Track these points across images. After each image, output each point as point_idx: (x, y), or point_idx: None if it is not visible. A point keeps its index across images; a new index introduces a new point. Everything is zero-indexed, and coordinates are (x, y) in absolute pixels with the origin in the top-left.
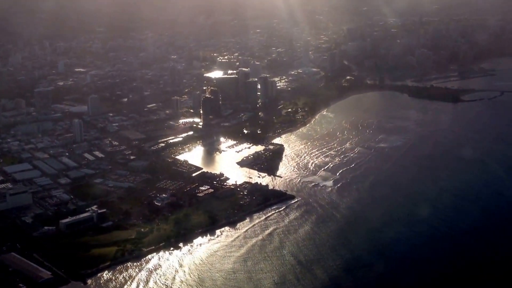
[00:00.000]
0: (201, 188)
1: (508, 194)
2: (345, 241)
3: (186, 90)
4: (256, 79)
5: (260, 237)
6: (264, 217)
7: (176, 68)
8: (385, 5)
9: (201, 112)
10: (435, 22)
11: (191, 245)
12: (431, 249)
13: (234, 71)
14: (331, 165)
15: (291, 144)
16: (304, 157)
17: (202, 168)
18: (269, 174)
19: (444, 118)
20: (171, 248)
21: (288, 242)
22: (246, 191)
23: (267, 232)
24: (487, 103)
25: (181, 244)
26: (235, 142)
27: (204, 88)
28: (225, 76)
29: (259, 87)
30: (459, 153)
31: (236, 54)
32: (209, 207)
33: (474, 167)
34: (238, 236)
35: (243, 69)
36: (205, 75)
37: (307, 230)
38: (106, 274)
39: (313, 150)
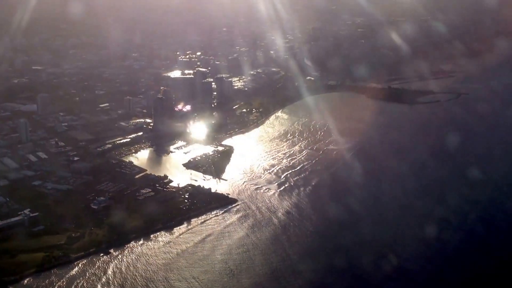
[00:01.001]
0: (142, 191)
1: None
2: (277, 247)
3: (143, 90)
4: (212, 79)
5: (192, 243)
6: (202, 221)
7: (133, 67)
8: (356, 5)
9: (152, 112)
10: (401, 22)
11: (122, 251)
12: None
13: (191, 71)
14: (277, 168)
15: (241, 146)
16: (252, 159)
17: (146, 170)
18: (214, 177)
19: (396, 120)
20: (101, 254)
21: (220, 249)
22: (187, 194)
23: (201, 238)
24: (442, 106)
25: (112, 250)
26: (184, 143)
27: (161, 88)
28: (181, 75)
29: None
30: (405, 156)
31: (199, 53)
32: (147, 210)
33: (417, 169)
34: (171, 242)
35: (200, 69)
36: (164, 74)
37: (241, 236)
38: (28, 281)
39: (262, 152)
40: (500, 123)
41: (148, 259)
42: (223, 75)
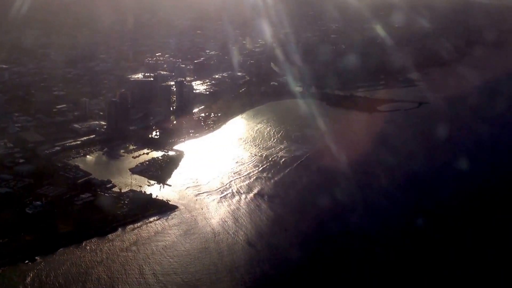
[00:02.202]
0: (81, 195)
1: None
2: (204, 257)
3: (103, 92)
4: (173, 83)
5: (118, 251)
6: (137, 228)
7: (94, 68)
8: (334, 10)
9: (106, 115)
10: (375, 29)
11: (48, 258)
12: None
13: (152, 74)
14: (223, 174)
15: (193, 151)
16: (200, 164)
17: (91, 174)
18: (159, 182)
19: (352, 128)
20: (26, 261)
21: (151, 258)
22: (127, 200)
23: (132, 245)
24: (401, 114)
25: (38, 257)
26: (135, 147)
27: (119, 90)
28: (141, 78)
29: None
30: (351, 165)
31: (167, 55)
32: (83, 216)
33: (358, 179)
34: (98, 249)
35: (162, 72)
36: (128, 76)
37: (168, 244)
38: None
39: (212, 158)
40: (449, 134)
41: (70, 268)
42: (188, 78)
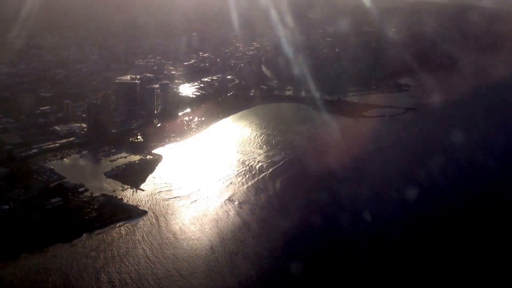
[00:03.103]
0: (52, 199)
1: None
2: (166, 262)
3: (90, 94)
4: (157, 86)
5: (84, 258)
6: (103, 234)
7: (88, 69)
8: (332, 14)
9: (87, 117)
10: (372, 33)
11: (9, 264)
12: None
13: (137, 76)
14: (198, 179)
15: (171, 155)
16: (178, 169)
17: (65, 178)
18: (132, 187)
19: (333, 134)
20: None
21: (110, 265)
22: (97, 204)
23: (93, 251)
24: (385, 121)
25: None
26: (114, 150)
27: (104, 92)
28: (127, 80)
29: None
30: (328, 171)
31: (159, 57)
32: (50, 221)
33: (335, 186)
34: (61, 256)
35: (148, 74)
36: (115, 78)
37: (134, 251)
38: None
39: (190, 162)
40: (431, 141)
41: (27, 274)
42: (176, 81)
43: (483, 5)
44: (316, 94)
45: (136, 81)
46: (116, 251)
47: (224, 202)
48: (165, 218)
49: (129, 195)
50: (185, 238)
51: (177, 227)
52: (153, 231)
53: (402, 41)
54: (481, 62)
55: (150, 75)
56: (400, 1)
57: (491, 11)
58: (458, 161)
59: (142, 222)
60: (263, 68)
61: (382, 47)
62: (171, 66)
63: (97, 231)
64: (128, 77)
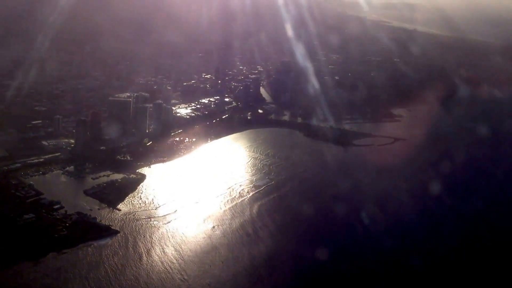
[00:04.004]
0: (24, 215)
1: None
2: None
3: (84, 110)
4: (151, 105)
5: (44, 278)
6: (69, 253)
7: (77, 86)
8: (338, 41)
9: (75, 133)
10: (374, 61)
11: None
12: None
13: (133, 94)
14: (177, 200)
15: (155, 175)
16: (159, 189)
17: (43, 194)
18: (109, 206)
19: (319, 161)
20: None
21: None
22: (69, 222)
23: (54, 272)
24: (373, 150)
25: None
26: (98, 168)
27: (94, 109)
28: (119, 98)
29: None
30: (309, 199)
31: (160, 76)
32: (20, 237)
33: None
34: (21, 275)
35: (143, 93)
36: (111, 96)
37: (97, 272)
38: None
39: (172, 183)
40: (409, 175)
41: None
42: (173, 101)
43: (484, 40)
44: (311, 121)
45: (130, 99)
46: (78, 272)
47: (198, 224)
48: (135, 239)
49: (104, 214)
50: (151, 260)
51: (145, 249)
52: (120, 252)
53: (402, 71)
54: (478, 95)
55: (145, 94)
56: (405, 32)
57: (491, 45)
58: (431, 197)
59: (111, 242)
60: (263, 91)
61: (381, 76)
62: (169, 86)
63: (64, 250)
64: (126, 95)
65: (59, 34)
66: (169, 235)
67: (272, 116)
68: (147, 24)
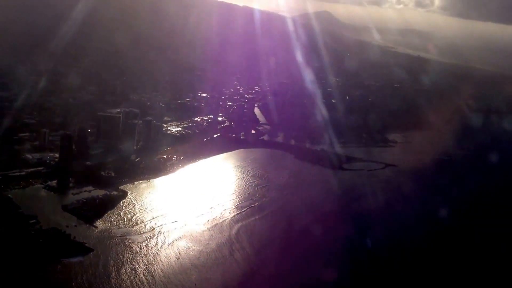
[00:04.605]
0: None
1: None
2: None
3: (74, 124)
4: (140, 121)
5: None
6: (39, 270)
7: (74, 99)
8: (340, 65)
9: (59, 148)
10: (374, 86)
11: None
12: None
13: (123, 110)
14: (156, 220)
15: (138, 192)
16: (138, 207)
17: (20, 208)
18: (86, 222)
19: (307, 184)
20: None
21: None
22: (43, 239)
23: None
24: (362, 175)
25: None
26: (81, 183)
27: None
28: (109, 113)
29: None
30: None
31: (155, 93)
32: None
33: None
34: None
35: (134, 109)
36: (102, 111)
37: None
38: None
39: (152, 202)
40: (394, 203)
41: None
42: (165, 118)
43: (485, 68)
44: (303, 143)
45: (120, 115)
46: None
47: (174, 244)
48: (107, 257)
49: (80, 231)
50: (119, 279)
51: (116, 268)
52: (90, 270)
53: (401, 97)
54: (475, 123)
55: (136, 110)
56: (409, 58)
57: (491, 74)
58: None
59: (83, 260)
60: (258, 112)
61: (379, 101)
62: (162, 103)
63: (33, 267)
64: (116, 110)
65: (60, 48)
66: (143, 254)
67: (265, 137)
68: (148, 42)
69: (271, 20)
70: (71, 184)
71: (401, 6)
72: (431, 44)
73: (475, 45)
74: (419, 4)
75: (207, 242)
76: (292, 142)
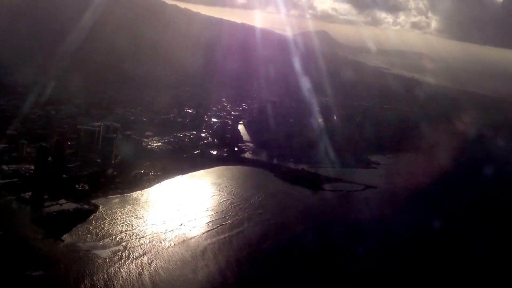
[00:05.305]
0: None
1: None
2: None
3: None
4: (115, 135)
5: None
6: None
7: (59, 112)
8: (334, 85)
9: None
10: (362, 107)
11: None
12: None
13: (103, 124)
14: (124, 235)
15: (109, 207)
16: (108, 222)
17: None
18: (53, 236)
19: (282, 205)
20: None
21: None
22: (5, 253)
23: None
24: (340, 196)
25: None
26: (54, 196)
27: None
28: (87, 127)
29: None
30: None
31: (140, 108)
32: None
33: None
34: None
35: (114, 123)
36: (79, 125)
37: None
38: None
39: (123, 217)
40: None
41: None
42: (147, 133)
43: (479, 92)
44: (285, 162)
45: (99, 128)
46: None
47: (137, 260)
48: (68, 272)
49: (46, 244)
50: None
51: (76, 282)
52: (48, 285)
53: (389, 118)
54: (463, 148)
55: (117, 124)
56: (402, 80)
57: (486, 98)
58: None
59: (43, 274)
60: (242, 129)
61: (366, 122)
62: (145, 118)
63: None
64: (97, 124)
65: (48, 59)
66: (105, 269)
67: (246, 155)
68: (139, 57)
69: (268, 37)
70: (46, 197)
71: (398, 27)
72: (427, 66)
73: (471, 68)
74: (415, 26)
75: (171, 259)
76: (274, 161)
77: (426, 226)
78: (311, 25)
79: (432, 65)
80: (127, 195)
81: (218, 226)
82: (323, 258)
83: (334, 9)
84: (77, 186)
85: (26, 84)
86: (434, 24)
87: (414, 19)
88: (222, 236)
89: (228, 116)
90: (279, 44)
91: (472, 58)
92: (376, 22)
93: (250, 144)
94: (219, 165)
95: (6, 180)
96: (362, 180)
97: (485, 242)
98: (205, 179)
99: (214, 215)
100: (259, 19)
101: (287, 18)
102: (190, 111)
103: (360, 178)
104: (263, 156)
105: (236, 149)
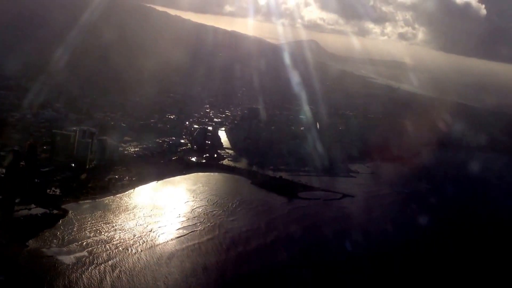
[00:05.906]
0: None
1: None
2: None
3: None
4: (91, 140)
5: None
6: None
7: (38, 116)
8: (322, 93)
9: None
10: (347, 116)
11: None
12: None
13: (79, 128)
14: (92, 241)
15: (79, 212)
16: (77, 227)
17: None
18: (17, 241)
19: (256, 211)
20: None
21: None
22: None
23: None
24: (317, 204)
25: None
26: (23, 200)
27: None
28: (63, 131)
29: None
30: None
31: (121, 112)
32: None
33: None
34: None
35: (91, 128)
36: (54, 129)
37: None
38: None
39: (92, 223)
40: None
41: None
42: (126, 138)
43: (464, 103)
44: (263, 169)
45: (75, 133)
46: None
47: (100, 266)
48: (29, 277)
49: (9, 250)
50: None
51: None
52: None
53: (372, 127)
54: (444, 158)
55: (93, 129)
56: (388, 89)
57: (470, 108)
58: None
59: (4, 279)
60: (224, 136)
61: (349, 130)
62: (124, 123)
63: None
64: (73, 128)
65: (30, 62)
66: (66, 275)
67: (225, 162)
68: (123, 62)
69: (257, 45)
70: (16, 202)
71: (385, 37)
72: (412, 76)
73: (456, 79)
74: (402, 37)
75: (136, 265)
76: (253, 168)
77: (397, 236)
78: (300, 35)
79: (418, 75)
80: (98, 201)
81: (188, 233)
82: (291, 267)
83: (322, 19)
84: (48, 190)
85: (7, 87)
86: (420, 35)
87: (401, 30)
88: (192, 243)
89: (209, 123)
90: (268, 53)
91: (457, 69)
92: (363, 32)
93: (230, 151)
94: (197, 172)
95: None
96: (340, 189)
97: (459, 252)
98: (180, 185)
99: (186, 221)
100: (250, 28)
101: (276, 27)
102: (171, 117)
103: (338, 186)
104: (242, 163)
105: (215, 155)
